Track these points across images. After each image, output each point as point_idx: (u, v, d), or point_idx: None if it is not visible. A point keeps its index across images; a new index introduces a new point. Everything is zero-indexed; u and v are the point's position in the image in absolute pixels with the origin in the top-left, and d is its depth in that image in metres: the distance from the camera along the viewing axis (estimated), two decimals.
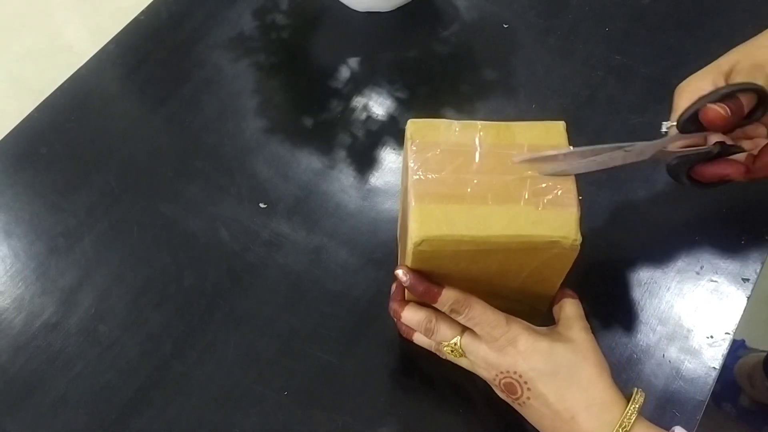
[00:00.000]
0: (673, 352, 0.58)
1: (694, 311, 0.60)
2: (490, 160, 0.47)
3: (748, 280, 0.61)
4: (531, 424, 0.50)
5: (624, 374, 0.57)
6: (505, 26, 0.77)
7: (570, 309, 0.51)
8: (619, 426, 0.45)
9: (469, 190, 0.46)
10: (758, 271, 0.62)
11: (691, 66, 0.74)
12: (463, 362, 0.52)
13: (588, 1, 0.79)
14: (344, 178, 0.67)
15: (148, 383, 0.57)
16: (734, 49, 0.54)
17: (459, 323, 0.50)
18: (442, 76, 0.74)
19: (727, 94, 0.50)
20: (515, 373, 0.48)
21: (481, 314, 0.48)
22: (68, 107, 0.72)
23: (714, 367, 0.57)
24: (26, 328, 0.60)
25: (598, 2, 0.79)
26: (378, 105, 0.72)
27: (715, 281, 0.61)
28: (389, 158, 0.69)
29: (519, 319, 0.49)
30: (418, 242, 0.45)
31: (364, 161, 0.68)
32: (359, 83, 0.73)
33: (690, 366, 0.58)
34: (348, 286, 0.62)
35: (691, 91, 0.52)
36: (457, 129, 0.49)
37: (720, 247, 0.63)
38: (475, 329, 0.49)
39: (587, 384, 0.47)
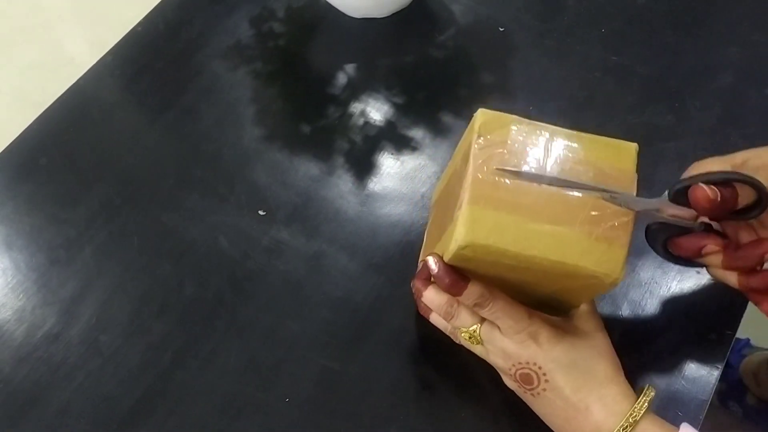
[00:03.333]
0: (674, 352, 0.58)
1: (695, 311, 0.60)
2: (558, 174, 0.45)
3: None
4: (536, 424, 0.50)
5: (628, 375, 0.56)
6: (501, 29, 0.77)
7: (586, 304, 0.52)
8: (630, 416, 0.46)
9: (526, 200, 0.44)
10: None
11: (688, 65, 0.74)
12: (477, 349, 0.52)
13: (583, 3, 0.79)
14: (343, 184, 0.68)
15: (150, 393, 0.57)
16: (754, 149, 0.52)
17: (483, 315, 0.50)
18: (439, 81, 0.74)
19: (722, 180, 0.47)
20: (535, 364, 0.49)
21: (503, 308, 0.48)
22: (67, 119, 0.72)
23: (716, 367, 0.57)
24: (28, 340, 0.60)
25: (593, 3, 0.79)
26: (375, 111, 0.72)
27: (716, 281, 0.61)
28: (387, 163, 0.69)
29: (540, 313, 0.50)
30: (462, 246, 0.44)
31: (363, 167, 0.68)
32: (356, 89, 0.74)
33: (692, 366, 0.57)
34: (348, 291, 0.62)
35: (698, 168, 0.51)
36: (527, 131, 0.47)
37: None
38: (496, 322, 0.49)
39: (603, 378, 0.48)
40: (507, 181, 0.45)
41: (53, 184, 0.68)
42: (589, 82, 0.73)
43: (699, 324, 0.59)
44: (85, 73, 0.75)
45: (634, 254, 0.62)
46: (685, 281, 0.61)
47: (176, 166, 0.69)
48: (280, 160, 0.69)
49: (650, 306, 0.60)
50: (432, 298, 0.52)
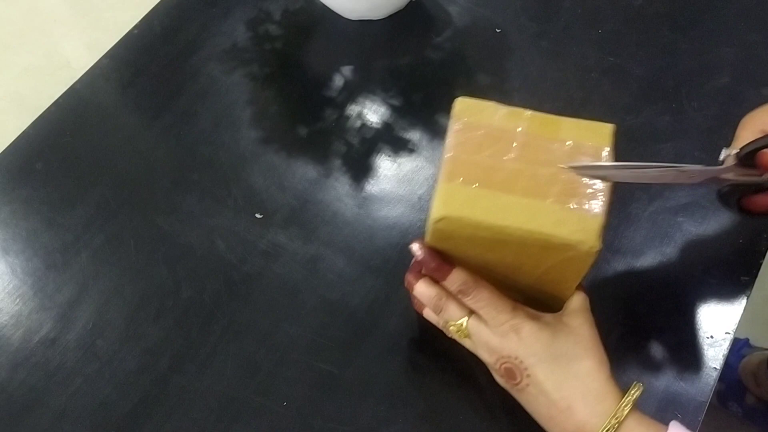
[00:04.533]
0: (673, 353, 0.58)
1: (693, 312, 0.60)
2: (529, 151, 0.47)
3: (747, 279, 0.61)
4: (535, 426, 0.50)
5: (624, 376, 0.57)
6: (498, 31, 0.77)
7: (577, 300, 0.51)
8: (613, 417, 0.45)
9: (500, 177, 0.46)
10: (758, 269, 0.62)
11: (684, 66, 0.74)
12: (467, 343, 0.52)
13: (580, 4, 0.79)
14: (340, 186, 0.67)
15: (147, 397, 0.57)
16: None
17: (467, 307, 0.50)
18: (436, 82, 0.74)
19: None
20: (516, 358, 0.48)
21: (487, 298, 0.49)
22: (63, 122, 0.72)
23: (715, 368, 0.57)
24: (24, 345, 0.60)
25: (590, 4, 0.79)
26: (372, 113, 0.72)
27: (714, 281, 0.61)
28: (384, 165, 0.69)
29: (525, 307, 0.50)
30: (437, 219, 0.45)
31: (360, 169, 0.68)
32: (353, 91, 0.74)
33: (691, 366, 0.57)
34: (346, 294, 0.61)
35: (754, 124, 0.51)
36: (504, 114, 0.48)
37: (718, 248, 0.63)
38: (480, 312, 0.49)
39: (585, 375, 0.47)
40: (482, 159, 0.46)
41: (49, 188, 0.68)
42: (586, 83, 0.73)
43: (697, 324, 0.59)
44: (81, 77, 0.75)
45: (633, 255, 0.62)
46: (683, 282, 0.61)
47: (173, 169, 0.69)
48: (277, 162, 0.69)
49: (648, 307, 0.60)
50: (422, 290, 0.52)
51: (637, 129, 0.69)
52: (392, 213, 0.66)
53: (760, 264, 0.62)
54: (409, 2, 0.79)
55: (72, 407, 0.57)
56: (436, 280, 0.51)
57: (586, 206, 0.45)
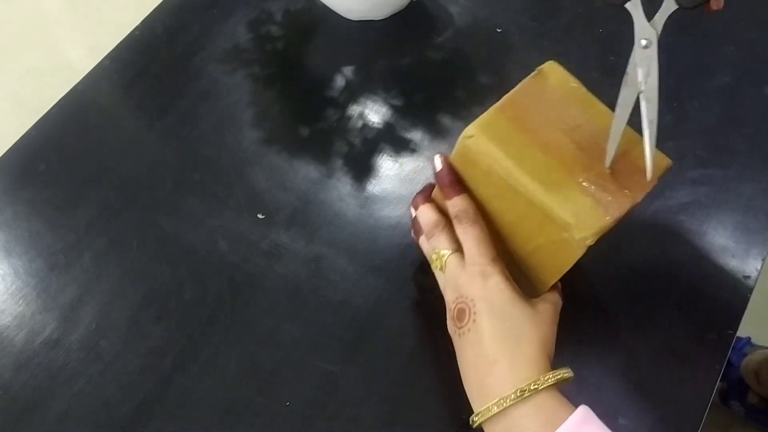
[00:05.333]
0: (675, 353, 0.58)
1: (694, 311, 0.60)
2: (582, 136, 0.48)
3: (749, 277, 0.61)
4: None
5: (624, 377, 0.57)
6: (499, 30, 0.77)
7: (551, 297, 0.52)
8: (533, 383, 0.45)
9: (544, 138, 0.47)
10: (759, 268, 0.62)
11: (685, 65, 0.74)
12: (440, 278, 0.54)
13: (581, 3, 0.79)
14: (342, 186, 0.68)
15: (150, 398, 0.57)
16: None
17: (456, 243, 0.52)
18: (438, 83, 0.74)
19: None
20: (472, 301, 0.49)
21: (477, 236, 0.50)
22: (65, 124, 0.72)
23: (717, 367, 0.57)
24: (27, 346, 0.60)
25: (590, 4, 0.79)
26: (374, 113, 0.72)
27: (716, 280, 0.61)
28: (386, 165, 0.69)
29: (504, 267, 0.50)
30: (468, 135, 0.47)
31: (362, 169, 0.68)
32: (354, 92, 0.74)
33: (693, 366, 0.57)
34: (348, 294, 0.62)
35: None
36: (581, 95, 0.51)
37: (719, 246, 0.63)
38: (464, 245, 0.51)
39: (525, 342, 0.47)
40: (538, 115, 0.48)
41: (52, 189, 0.68)
42: (587, 82, 0.72)
43: (699, 324, 0.59)
44: (83, 78, 0.75)
45: (634, 254, 0.63)
46: (684, 281, 0.61)
47: (175, 170, 0.69)
48: (279, 163, 0.69)
49: (649, 307, 0.60)
50: (425, 213, 0.55)
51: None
52: (394, 213, 0.66)
53: (763, 262, 0.62)
54: (410, 2, 0.79)
55: (75, 408, 0.57)
56: (440, 208, 0.54)
57: (602, 207, 0.45)
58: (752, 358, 1.17)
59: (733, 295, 0.60)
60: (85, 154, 0.70)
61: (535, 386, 0.45)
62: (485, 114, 0.48)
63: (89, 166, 0.70)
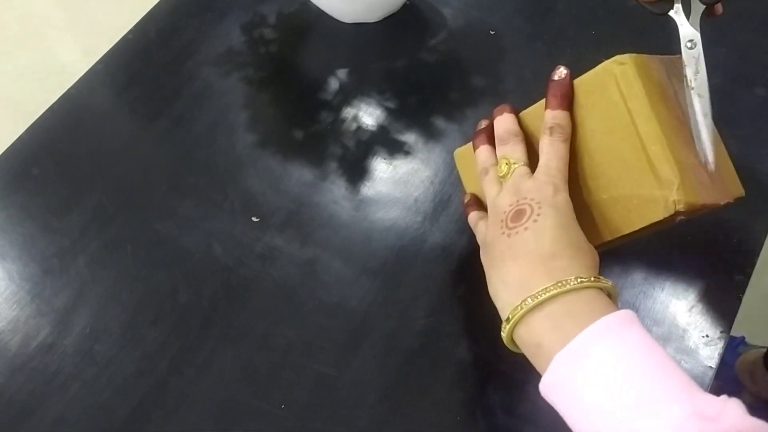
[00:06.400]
0: (669, 353, 0.58)
1: (688, 311, 0.60)
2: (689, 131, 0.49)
3: (741, 278, 0.61)
4: (532, 427, 0.50)
5: None
6: (492, 33, 0.78)
7: None
8: (592, 276, 0.44)
9: (670, 106, 0.49)
10: (753, 268, 0.62)
11: None
12: (493, 186, 0.52)
13: (574, 5, 0.79)
14: (336, 189, 0.68)
15: (145, 401, 0.57)
16: None
17: (528, 159, 0.51)
18: (431, 85, 0.74)
19: None
20: (537, 202, 0.47)
21: (563, 151, 0.50)
22: (59, 128, 0.72)
23: (711, 367, 0.57)
24: (22, 350, 0.60)
25: (584, 5, 0.79)
26: (368, 115, 0.72)
27: (709, 280, 0.61)
28: (380, 168, 0.69)
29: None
30: (620, 61, 0.48)
31: (356, 172, 0.69)
32: (348, 94, 0.74)
33: (686, 366, 0.57)
34: (343, 297, 0.62)
35: None
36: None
37: (713, 246, 0.63)
38: (545, 156, 0.50)
39: (584, 255, 0.46)
40: (667, 87, 0.50)
41: (46, 193, 0.68)
42: None
43: (692, 324, 0.59)
44: (76, 82, 0.75)
45: (627, 256, 0.63)
46: (678, 281, 0.61)
47: (169, 173, 0.69)
48: (273, 166, 0.69)
49: (643, 307, 0.60)
50: (505, 120, 0.54)
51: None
52: (388, 215, 0.66)
53: (755, 263, 0.62)
54: (404, 5, 0.79)
55: (70, 412, 0.57)
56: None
57: (700, 187, 0.47)
58: (746, 358, 1.18)
59: (726, 296, 0.61)
60: (79, 158, 0.70)
61: (595, 279, 0.44)
62: (634, 54, 0.48)
63: (83, 170, 0.70)
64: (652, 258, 0.63)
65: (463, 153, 0.61)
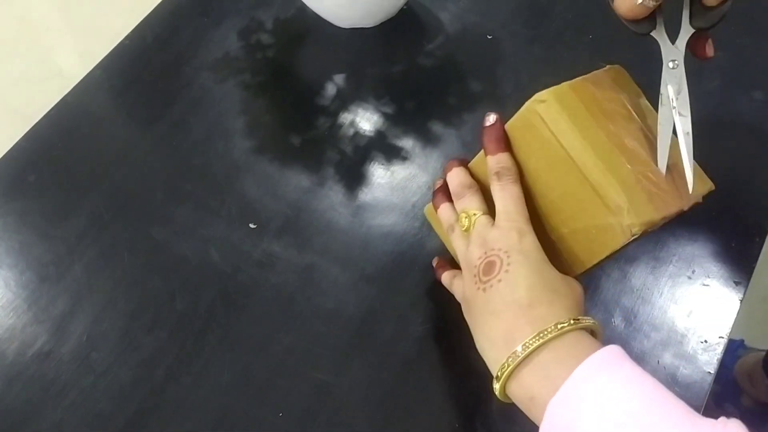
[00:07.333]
0: (667, 358, 0.58)
1: (687, 316, 0.60)
2: (642, 138, 0.49)
3: (739, 282, 0.61)
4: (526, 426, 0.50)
5: None
6: (489, 37, 0.77)
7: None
8: (572, 318, 0.44)
9: (609, 126, 0.48)
10: (750, 273, 0.62)
11: None
12: (460, 240, 0.52)
13: (571, 9, 0.79)
14: (333, 195, 0.67)
15: (142, 409, 0.57)
16: None
17: (486, 207, 0.51)
18: (429, 90, 0.74)
19: None
20: (506, 252, 0.47)
21: (516, 193, 0.49)
22: (55, 134, 0.72)
23: (709, 372, 0.57)
24: (19, 358, 0.60)
25: (581, 10, 0.79)
26: (365, 120, 0.72)
27: (708, 285, 0.61)
28: (378, 174, 0.69)
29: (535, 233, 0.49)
30: (540, 99, 0.47)
31: (353, 178, 0.68)
32: (346, 100, 0.74)
33: (685, 371, 0.57)
34: (341, 303, 0.61)
35: None
36: (643, 104, 0.52)
37: (711, 251, 0.63)
38: (500, 202, 0.50)
39: (562, 298, 0.46)
40: (608, 105, 0.49)
41: (42, 200, 0.68)
42: None
43: (691, 329, 0.59)
44: (73, 88, 0.75)
45: (626, 262, 0.63)
46: (676, 286, 0.61)
47: (166, 179, 0.69)
48: (271, 172, 0.69)
49: (642, 312, 0.60)
50: (457, 173, 0.54)
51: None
52: (386, 221, 0.66)
53: (753, 267, 0.62)
54: (401, 10, 0.79)
55: (68, 420, 0.57)
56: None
57: (655, 203, 0.46)
58: (745, 361, 1.18)
59: (724, 301, 0.61)
60: (76, 165, 0.70)
61: (575, 321, 0.44)
62: (557, 86, 0.48)
63: (79, 176, 0.69)
64: (650, 263, 0.63)
65: (430, 209, 0.60)
